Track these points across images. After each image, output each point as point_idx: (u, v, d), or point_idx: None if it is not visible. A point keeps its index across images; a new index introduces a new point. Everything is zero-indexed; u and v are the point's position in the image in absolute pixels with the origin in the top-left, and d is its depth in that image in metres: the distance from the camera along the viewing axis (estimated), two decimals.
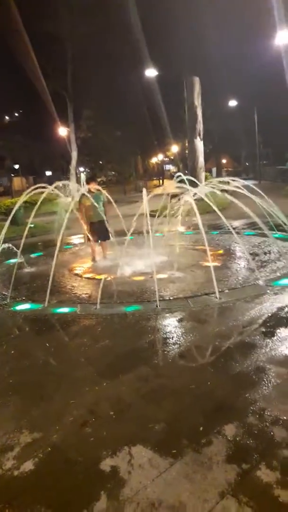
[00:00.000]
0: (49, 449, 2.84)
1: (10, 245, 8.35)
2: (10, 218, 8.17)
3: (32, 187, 8.25)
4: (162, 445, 2.77)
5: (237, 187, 7.77)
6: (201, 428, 2.91)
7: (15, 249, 7.44)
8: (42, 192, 8.48)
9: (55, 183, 8.41)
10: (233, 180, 8.42)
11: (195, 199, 7.11)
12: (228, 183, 8.30)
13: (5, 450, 2.86)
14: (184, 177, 8.81)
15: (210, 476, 2.46)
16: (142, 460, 2.64)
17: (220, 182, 8.39)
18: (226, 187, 8.04)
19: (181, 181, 8.65)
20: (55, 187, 8.29)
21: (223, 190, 7.77)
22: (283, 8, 15.53)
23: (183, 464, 2.57)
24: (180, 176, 9.12)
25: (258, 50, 24.57)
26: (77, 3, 24.10)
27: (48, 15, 24.12)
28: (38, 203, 8.37)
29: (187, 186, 7.77)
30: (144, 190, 7.43)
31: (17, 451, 2.84)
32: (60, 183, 8.84)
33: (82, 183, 9.48)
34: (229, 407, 3.16)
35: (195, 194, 7.42)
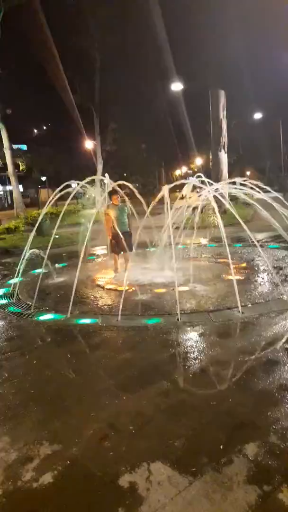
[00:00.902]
0: (68, 462, 2.85)
1: (37, 250, 8.47)
2: (35, 228, 8.31)
3: (54, 194, 8.32)
4: (181, 462, 2.74)
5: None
6: (221, 446, 2.86)
7: (41, 254, 7.56)
8: (68, 204, 8.62)
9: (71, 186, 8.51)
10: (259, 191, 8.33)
11: (220, 211, 7.08)
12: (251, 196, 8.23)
13: (25, 462, 2.88)
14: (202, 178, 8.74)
15: (231, 496, 2.41)
16: (161, 477, 2.61)
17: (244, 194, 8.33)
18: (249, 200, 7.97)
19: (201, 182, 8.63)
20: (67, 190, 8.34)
21: (246, 203, 7.72)
22: None
23: (202, 483, 2.53)
24: (200, 176, 9.11)
25: (284, 61, 24.50)
26: (104, 17, 24.65)
27: (77, 29, 24.77)
28: (61, 214, 8.49)
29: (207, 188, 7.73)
30: (165, 186, 7.56)
31: (37, 462, 2.86)
32: (74, 184, 8.91)
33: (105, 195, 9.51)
34: (250, 425, 3.10)
35: (220, 206, 7.39)
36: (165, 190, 7.46)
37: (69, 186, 8.28)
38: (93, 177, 9.58)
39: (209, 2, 18.53)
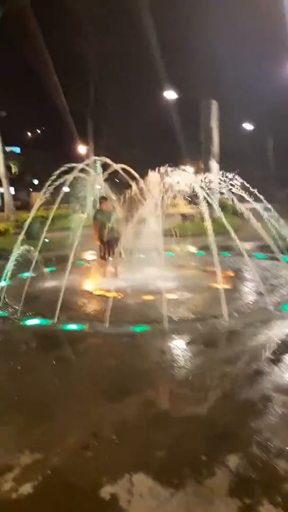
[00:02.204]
0: (49, 472, 2.81)
1: (27, 246, 8.36)
2: (24, 231, 8.24)
3: (45, 188, 8.14)
4: (163, 474, 2.72)
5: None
6: (204, 458, 2.86)
7: (32, 254, 7.50)
8: (59, 208, 8.54)
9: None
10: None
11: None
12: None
13: (4, 471, 2.82)
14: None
15: (212, 509, 2.40)
16: (143, 488, 2.59)
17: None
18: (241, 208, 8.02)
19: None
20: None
21: (235, 212, 7.77)
22: None
23: (184, 495, 2.51)
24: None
25: (276, 74, 24.87)
26: (99, 24, 24.77)
27: (72, 35, 24.85)
28: (50, 217, 8.43)
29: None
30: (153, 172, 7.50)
31: (17, 472, 2.81)
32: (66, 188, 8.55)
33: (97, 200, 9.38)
34: (233, 436, 3.10)
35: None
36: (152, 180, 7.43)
37: (61, 176, 7.95)
38: (87, 161, 9.02)
39: (202, 15, 18.79)
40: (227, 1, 17.81)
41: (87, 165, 8.94)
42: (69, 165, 8.16)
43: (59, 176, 7.85)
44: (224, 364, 4.36)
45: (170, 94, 24.39)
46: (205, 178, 7.56)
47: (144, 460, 2.87)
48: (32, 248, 7.59)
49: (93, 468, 2.83)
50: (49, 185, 7.82)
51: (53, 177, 7.79)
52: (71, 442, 3.11)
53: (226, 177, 7.64)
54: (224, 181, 7.65)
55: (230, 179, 7.63)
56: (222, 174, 7.74)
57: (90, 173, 9.55)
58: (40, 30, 22.84)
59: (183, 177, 8.26)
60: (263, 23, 18.27)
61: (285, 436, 3.04)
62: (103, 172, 9.91)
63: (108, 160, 8.64)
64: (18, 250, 7.57)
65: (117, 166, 8.63)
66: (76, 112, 29.86)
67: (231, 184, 7.61)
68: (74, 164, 8.30)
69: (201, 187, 7.35)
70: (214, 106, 19.61)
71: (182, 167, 8.32)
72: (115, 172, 8.90)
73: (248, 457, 2.84)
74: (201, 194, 7.18)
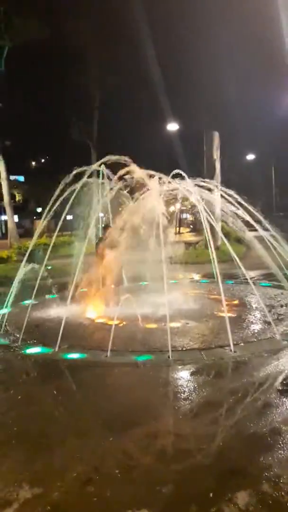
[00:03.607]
0: (49, 507, 2.68)
1: (33, 264, 8.32)
2: (25, 258, 8.23)
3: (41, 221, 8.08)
4: (169, 511, 2.59)
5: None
6: (211, 494, 2.72)
7: (36, 268, 7.46)
8: (62, 235, 8.56)
9: None
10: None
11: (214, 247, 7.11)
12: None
13: (3, 506, 2.70)
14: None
15: None
16: None
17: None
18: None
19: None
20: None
21: (238, 240, 7.78)
22: None
23: None
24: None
25: (278, 104, 25.52)
26: (102, 57, 25.60)
27: (75, 68, 25.68)
28: (51, 244, 8.44)
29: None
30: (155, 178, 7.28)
31: (15, 507, 2.68)
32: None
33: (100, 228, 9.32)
34: (241, 472, 2.97)
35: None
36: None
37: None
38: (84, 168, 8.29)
39: (204, 48, 19.45)
40: (229, 31, 18.45)
41: (90, 175, 8.59)
42: (73, 172, 8.00)
43: (64, 190, 7.72)
44: (231, 396, 4.23)
45: (173, 126, 24.95)
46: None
47: (148, 496, 2.74)
48: (36, 265, 7.55)
49: (95, 504, 2.70)
50: (55, 200, 7.71)
51: (59, 189, 7.66)
52: (72, 477, 2.98)
53: (231, 203, 7.66)
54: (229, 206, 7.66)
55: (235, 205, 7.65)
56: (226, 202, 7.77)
57: (94, 183, 9.27)
58: (47, 62, 23.67)
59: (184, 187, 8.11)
60: (264, 52, 18.86)
61: None
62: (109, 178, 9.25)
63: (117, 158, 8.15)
64: (22, 271, 7.54)
65: (127, 161, 8.11)
66: (80, 142, 30.50)
67: (235, 213, 7.64)
68: (79, 169, 8.06)
69: (204, 211, 7.35)
70: (217, 137, 20.00)
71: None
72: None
73: (258, 494, 2.70)
74: (204, 221, 7.20)
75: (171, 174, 8.20)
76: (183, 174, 7.95)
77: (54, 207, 7.76)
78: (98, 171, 9.60)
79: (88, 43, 24.22)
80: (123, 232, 7.81)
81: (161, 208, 7.20)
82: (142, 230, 7.86)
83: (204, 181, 8.20)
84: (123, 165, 8.06)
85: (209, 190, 8.06)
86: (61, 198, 7.73)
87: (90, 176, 8.45)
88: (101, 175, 9.49)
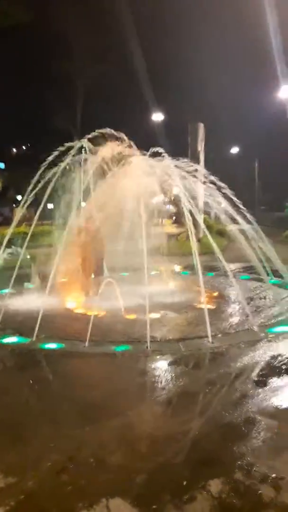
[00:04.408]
0: (23, 496, 2.65)
1: (15, 248, 8.18)
2: (3, 246, 8.09)
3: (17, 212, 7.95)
4: (142, 499, 2.60)
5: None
6: (184, 482, 2.74)
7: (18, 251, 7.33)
8: (43, 225, 8.42)
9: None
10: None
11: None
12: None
13: None
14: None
15: None
16: None
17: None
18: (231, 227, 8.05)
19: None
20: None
21: (220, 233, 7.82)
22: (285, 63, 16.35)
23: None
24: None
25: (262, 98, 25.68)
26: (89, 46, 25.24)
27: (61, 56, 25.25)
28: (30, 232, 8.32)
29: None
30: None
31: None
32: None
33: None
34: (215, 460, 3.00)
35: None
36: None
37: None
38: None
39: (191, 40, 19.38)
40: (217, 25, 18.45)
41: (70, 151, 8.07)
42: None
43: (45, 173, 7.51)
44: (207, 386, 4.27)
45: (158, 116, 24.82)
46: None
47: (122, 484, 2.75)
48: (15, 252, 7.42)
49: (69, 492, 2.69)
50: (35, 184, 7.50)
51: (40, 171, 7.49)
52: (47, 466, 2.96)
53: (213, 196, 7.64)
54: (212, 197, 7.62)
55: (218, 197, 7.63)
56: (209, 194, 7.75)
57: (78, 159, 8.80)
58: (32, 48, 23.19)
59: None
60: (254, 48, 18.95)
61: (269, 461, 2.96)
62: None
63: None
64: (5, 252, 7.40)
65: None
66: (62, 130, 30.06)
67: (218, 202, 7.64)
68: (68, 144, 7.79)
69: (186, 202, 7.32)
70: (201, 129, 19.97)
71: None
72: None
73: (231, 482, 2.73)
74: (186, 212, 7.19)
75: (150, 151, 8.03)
76: (163, 152, 7.77)
77: (35, 191, 7.56)
78: (81, 149, 9.17)
79: (73, 29, 23.81)
80: (103, 219, 7.73)
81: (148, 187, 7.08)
82: (121, 214, 7.69)
83: (185, 162, 8.00)
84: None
85: (188, 172, 7.87)
86: (42, 182, 7.54)
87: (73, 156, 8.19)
88: (84, 150, 9.07)
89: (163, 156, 7.78)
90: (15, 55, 24.27)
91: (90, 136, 8.30)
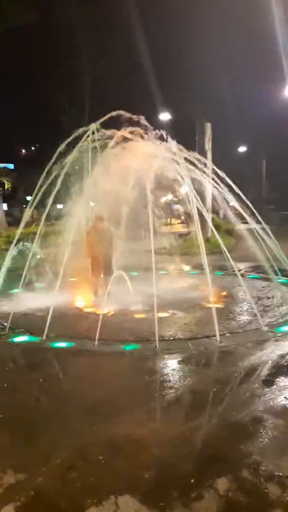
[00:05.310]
0: (32, 492, 2.71)
1: (27, 243, 8.24)
2: (13, 245, 8.17)
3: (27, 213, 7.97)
4: (150, 496, 2.64)
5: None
6: (192, 480, 2.78)
7: (29, 247, 7.43)
8: (52, 224, 8.46)
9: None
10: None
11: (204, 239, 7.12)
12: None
13: None
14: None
15: None
16: (129, 511, 2.50)
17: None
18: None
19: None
20: None
21: (228, 232, 7.82)
22: None
23: None
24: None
25: (269, 97, 25.53)
26: (95, 45, 25.29)
27: (68, 55, 25.34)
28: (38, 232, 8.39)
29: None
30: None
31: None
32: None
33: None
34: (223, 459, 3.03)
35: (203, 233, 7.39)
36: None
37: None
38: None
39: (197, 38, 19.33)
40: (223, 23, 18.40)
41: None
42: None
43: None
44: (215, 385, 4.29)
45: (166, 116, 24.80)
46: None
47: (131, 481, 2.79)
48: (24, 252, 7.51)
49: (78, 489, 2.74)
50: (47, 172, 7.59)
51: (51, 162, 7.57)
52: (57, 462, 3.02)
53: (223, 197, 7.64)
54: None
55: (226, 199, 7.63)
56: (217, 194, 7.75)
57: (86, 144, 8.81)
58: (39, 47, 23.29)
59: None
60: (260, 46, 18.86)
61: (276, 460, 2.98)
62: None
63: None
64: (10, 259, 7.49)
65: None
66: (71, 131, 30.15)
67: (227, 201, 7.63)
68: (81, 129, 8.04)
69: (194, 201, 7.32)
70: (209, 128, 19.92)
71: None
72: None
73: (238, 480, 2.76)
74: (195, 212, 7.21)
75: (154, 133, 7.98)
76: (168, 137, 7.76)
77: (44, 187, 7.63)
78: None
79: (79, 28, 23.87)
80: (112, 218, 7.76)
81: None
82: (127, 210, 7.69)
83: (194, 156, 7.97)
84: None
85: (193, 164, 7.83)
86: (53, 174, 7.59)
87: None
88: (95, 134, 9.00)
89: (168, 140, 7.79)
90: (24, 56, 24.46)
91: (102, 120, 8.46)
